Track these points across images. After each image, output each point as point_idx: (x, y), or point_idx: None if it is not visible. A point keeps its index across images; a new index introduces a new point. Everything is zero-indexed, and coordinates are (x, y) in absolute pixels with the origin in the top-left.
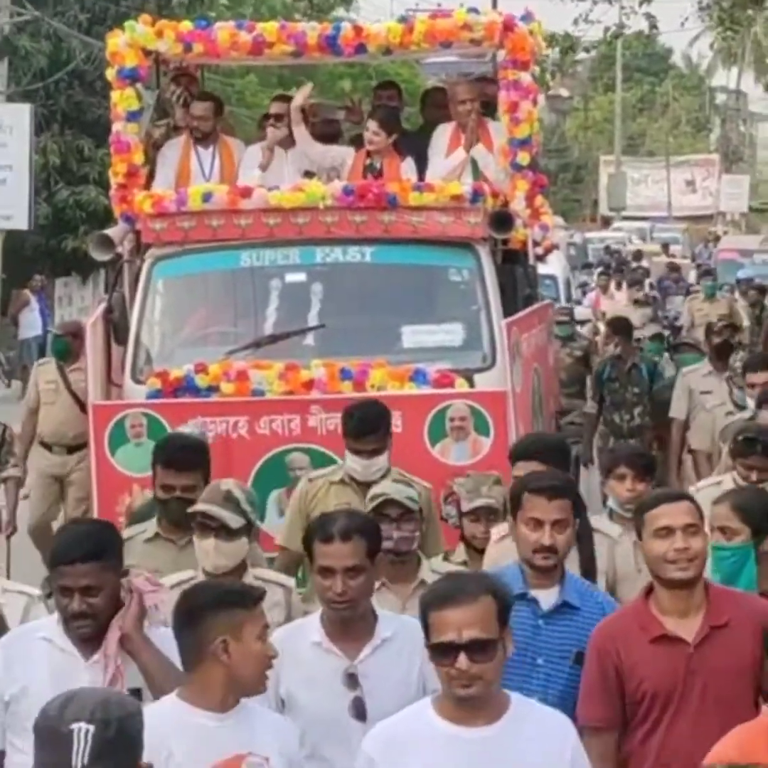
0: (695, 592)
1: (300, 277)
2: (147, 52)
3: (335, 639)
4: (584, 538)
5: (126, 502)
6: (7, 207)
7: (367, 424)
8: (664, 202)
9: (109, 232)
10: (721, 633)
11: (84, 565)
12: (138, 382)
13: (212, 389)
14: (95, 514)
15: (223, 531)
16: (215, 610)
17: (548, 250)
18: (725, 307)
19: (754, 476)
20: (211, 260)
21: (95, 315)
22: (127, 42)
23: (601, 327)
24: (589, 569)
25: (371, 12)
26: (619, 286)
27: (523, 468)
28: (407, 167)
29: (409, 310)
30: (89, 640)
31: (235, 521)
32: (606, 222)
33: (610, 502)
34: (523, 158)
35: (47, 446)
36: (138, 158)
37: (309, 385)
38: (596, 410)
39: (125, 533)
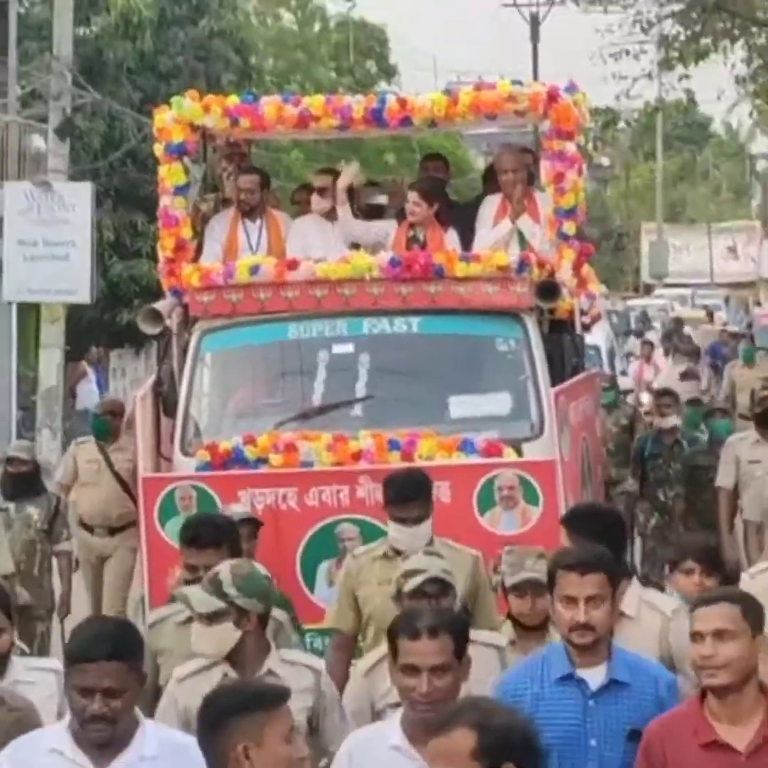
0: (744, 698)
1: (347, 348)
2: (194, 127)
3: (416, 742)
4: None
5: (176, 575)
6: (70, 282)
7: (408, 491)
8: (706, 269)
9: (158, 305)
10: None
11: (109, 664)
12: (187, 454)
13: (261, 461)
14: (146, 587)
15: (200, 615)
16: (236, 714)
17: (595, 319)
18: (766, 370)
19: None
20: (259, 333)
21: (144, 388)
22: (174, 117)
23: (644, 398)
24: None
25: (412, 86)
26: (666, 353)
27: (573, 539)
28: (451, 238)
29: (457, 380)
30: (103, 746)
31: (204, 605)
32: (648, 289)
33: (677, 597)
34: (569, 228)
35: (88, 528)
36: (186, 232)
37: (357, 455)
38: (637, 488)
39: (156, 614)
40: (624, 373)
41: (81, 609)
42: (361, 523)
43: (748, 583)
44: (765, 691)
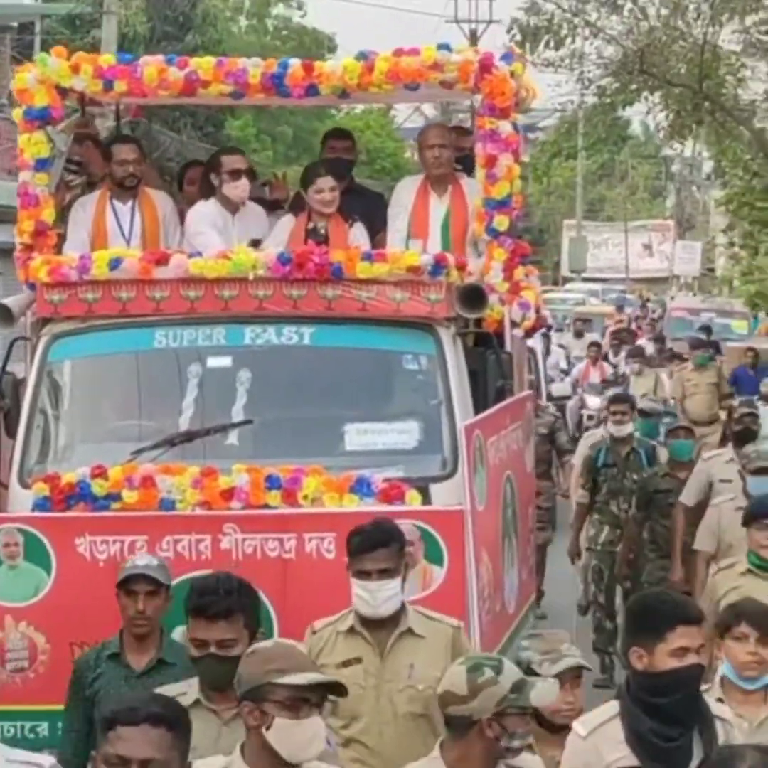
0: None
1: (224, 361)
2: (61, 90)
3: None
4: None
5: None
6: None
7: (376, 537)
8: (622, 264)
9: (10, 301)
10: None
11: (153, 730)
12: (25, 486)
13: (112, 497)
14: None
15: (320, 706)
16: None
17: (530, 332)
18: (714, 375)
19: None
20: (118, 339)
21: None
22: (37, 77)
23: (590, 401)
24: None
25: None
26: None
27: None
28: (357, 233)
29: (354, 404)
30: None
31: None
32: (565, 283)
33: (724, 669)
34: (501, 222)
35: None
36: (47, 215)
37: (228, 494)
38: (588, 500)
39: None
40: (552, 380)
41: None
42: None
43: None
44: None
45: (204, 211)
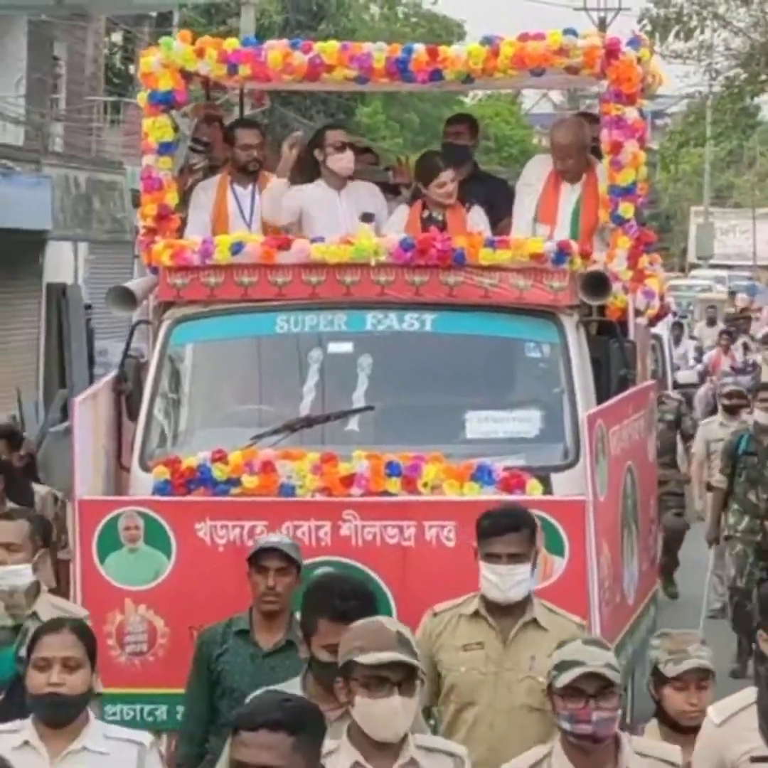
0: None
1: (345, 347)
2: (186, 74)
3: None
4: None
5: (116, 620)
6: None
7: (507, 521)
8: (750, 251)
9: (133, 284)
10: None
11: (272, 736)
12: (146, 469)
13: (232, 482)
14: None
15: (408, 684)
16: None
17: (655, 321)
18: None
19: None
20: (240, 324)
21: (95, 389)
22: (161, 61)
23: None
24: None
25: None
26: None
27: None
28: (477, 217)
29: (476, 392)
30: None
31: (401, 671)
32: (691, 269)
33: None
34: (626, 210)
35: None
36: (171, 198)
37: (349, 481)
38: (726, 485)
39: None
40: (678, 367)
41: None
42: (344, 567)
43: None
44: None
45: (296, 195)
